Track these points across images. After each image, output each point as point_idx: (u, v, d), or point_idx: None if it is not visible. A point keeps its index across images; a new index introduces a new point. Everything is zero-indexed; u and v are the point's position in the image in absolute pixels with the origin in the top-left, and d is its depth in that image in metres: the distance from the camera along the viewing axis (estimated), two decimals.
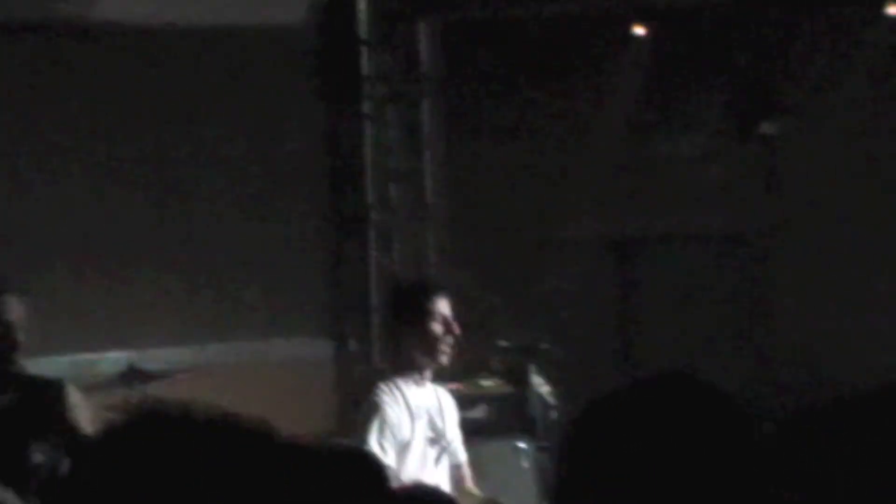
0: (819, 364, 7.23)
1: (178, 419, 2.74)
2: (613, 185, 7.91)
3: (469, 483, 5.16)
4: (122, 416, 2.77)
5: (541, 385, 5.04)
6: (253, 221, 7.42)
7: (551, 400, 5.07)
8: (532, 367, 5.00)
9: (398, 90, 7.99)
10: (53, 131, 6.63)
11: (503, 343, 4.93)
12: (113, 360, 6.35)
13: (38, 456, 4.62)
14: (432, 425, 4.98)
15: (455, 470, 5.11)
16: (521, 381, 5.16)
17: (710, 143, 7.89)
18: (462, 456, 5.14)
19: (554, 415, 5.01)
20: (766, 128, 7.77)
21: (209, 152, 7.27)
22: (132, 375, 5.84)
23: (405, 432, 4.85)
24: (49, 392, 4.72)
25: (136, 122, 6.95)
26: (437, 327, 4.89)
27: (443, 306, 4.93)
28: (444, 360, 4.95)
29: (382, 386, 4.88)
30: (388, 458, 4.76)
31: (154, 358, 6.19)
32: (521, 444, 5.40)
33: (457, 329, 4.90)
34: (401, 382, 4.92)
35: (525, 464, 5.36)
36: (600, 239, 7.86)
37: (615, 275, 7.86)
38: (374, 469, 2.94)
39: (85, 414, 4.81)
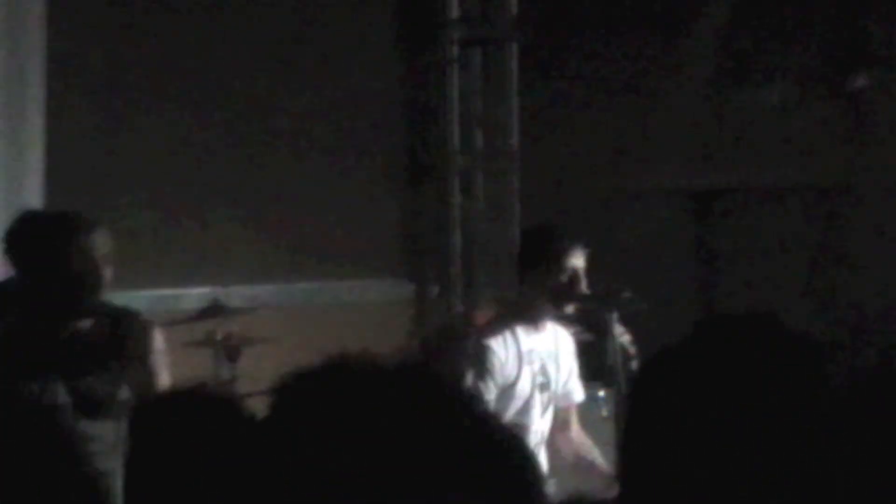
0: None
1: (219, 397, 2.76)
2: (694, 135, 7.84)
3: (575, 428, 5.16)
4: (178, 388, 2.79)
5: (621, 334, 5.03)
6: (335, 164, 7.45)
7: (631, 349, 5.06)
8: (613, 316, 4.98)
9: (484, 34, 7.95)
10: (140, 72, 6.68)
11: (586, 292, 4.91)
12: (196, 295, 6.42)
13: (124, 393, 4.68)
14: (544, 371, 4.97)
15: (562, 412, 5.11)
16: (600, 330, 5.15)
17: (794, 94, 7.79)
18: (575, 398, 5.13)
19: (634, 364, 5.00)
20: (856, 80, 7.65)
21: (293, 94, 7.29)
22: (214, 311, 5.90)
23: (510, 376, 4.85)
24: (137, 331, 4.78)
25: (220, 64, 6.98)
26: (563, 277, 4.86)
27: (575, 257, 4.89)
28: (569, 310, 4.93)
29: (496, 330, 4.89)
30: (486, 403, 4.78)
31: (236, 295, 6.26)
32: (601, 393, 5.41)
33: (584, 284, 4.86)
34: (518, 327, 4.91)
35: (604, 412, 5.37)
36: (681, 190, 7.80)
37: (695, 226, 7.81)
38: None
39: (164, 361, 4.86)
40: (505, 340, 4.88)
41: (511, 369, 4.87)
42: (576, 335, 5.29)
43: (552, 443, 5.07)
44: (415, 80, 7.98)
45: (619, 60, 7.90)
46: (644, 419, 1.96)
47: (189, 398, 2.71)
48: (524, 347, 4.91)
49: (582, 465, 5.07)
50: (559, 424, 5.10)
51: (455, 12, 7.89)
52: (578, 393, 5.15)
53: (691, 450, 1.90)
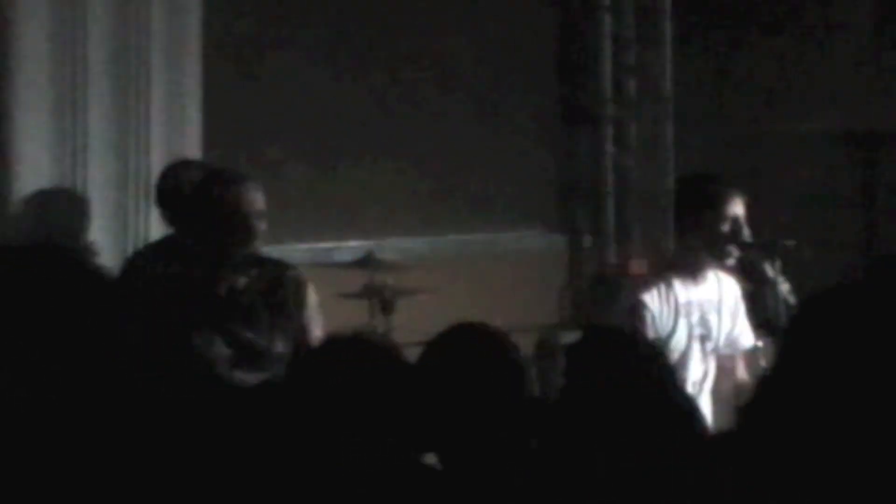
0: None
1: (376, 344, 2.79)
2: (857, 77, 7.63)
3: (741, 374, 5.07)
4: (335, 338, 2.81)
5: (781, 282, 4.92)
6: (487, 115, 7.41)
7: (791, 298, 4.95)
8: (774, 265, 4.87)
9: None
10: (292, 24, 6.71)
11: (748, 240, 4.81)
12: (350, 248, 6.46)
13: (279, 345, 4.73)
14: (704, 322, 4.89)
15: (728, 360, 5.02)
16: (760, 279, 5.05)
17: None
18: (743, 344, 5.03)
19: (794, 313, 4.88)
20: None
21: (446, 44, 7.26)
22: (369, 263, 5.93)
23: (664, 329, 4.78)
24: (290, 286, 4.81)
25: (374, 15, 6.98)
26: (724, 227, 4.76)
27: (734, 205, 4.78)
28: (730, 261, 4.83)
29: (651, 283, 4.82)
30: None
31: (390, 248, 6.27)
32: (760, 343, 5.31)
33: (746, 231, 4.76)
34: (675, 279, 4.83)
35: (763, 362, 5.28)
36: (843, 133, 7.60)
37: (859, 170, 7.61)
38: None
39: (318, 318, 4.90)
40: (660, 293, 4.80)
41: (666, 323, 4.79)
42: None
43: (717, 391, 4.99)
44: (567, 29, 7.90)
45: (778, 2, 7.72)
46: (802, 354, 1.90)
47: (347, 345, 2.72)
48: (681, 299, 4.82)
49: None
50: (725, 371, 5.02)
51: None
52: (746, 338, 5.04)
53: (849, 388, 1.84)
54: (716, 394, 4.99)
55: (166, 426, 2.50)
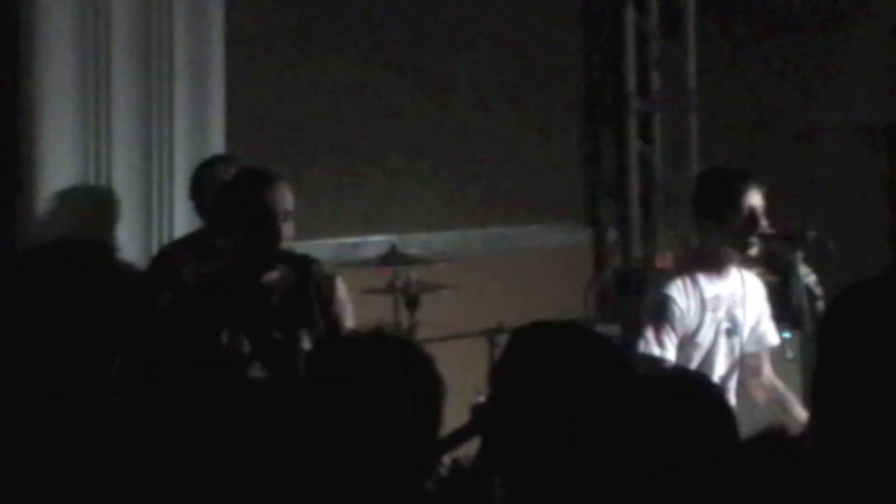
0: None
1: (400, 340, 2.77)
2: (882, 70, 7.60)
3: (767, 372, 5.07)
4: (357, 334, 2.80)
5: (808, 275, 4.90)
6: (511, 109, 7.41)
7: (818, 290, 4.93)
8: (799, 256, 4.86)
9: None
10: (317, 21, 6.71)
11: (768, 230, 4.80)
12: (375, 243, 6.46)
13: (306, 342, 4.73)
14: (731, 317, 4.89)
15: (752, 357, 5.02)
16: (786, 270, 5.04)
17: None
18: (768, 342, 5.04)
19: (821, 305, 4.87)
20: None
21: (467, 42, 7.26)
22: (394, 258, 5.93)
23: (691, 325, 4.78)
24: (318, 281, 4.82)
25: (399, 13, 6.98)
26: (743, 219, 4.77)
27: (752, 197, 4.79)
28: (753, 252, 4.84)
29: (677, 279, 4.81)
30: (668, 353, 4.72)
31: (415, 242, 6.28)
32: (786, 335, 5.29)
33: (764, 222, 4.76)
34: (700, 275, 4.83)
35: (790, 354, 5.26)
36: (868, 125, 7.57)
37: (884, 162, 7.58)
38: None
39: (348, 310, 4.90)
40: (686, 288, 4.79)
41: (693, 318, 4.79)
42: (760, 276, 5.18)
43: (744, 388, 4.98)
44: (591, 24, 7.89)
45: None
46: (837, 355, 1.90)
47: (367, 341, 2.72)
48: (707, 294, 4.82)
49: (776, 410, 4.97)
50: (751, 370, 5.01)
51: None
52: (772, 336, 5.04)
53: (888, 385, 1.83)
54: (743, 392, 4.99)
55: (187, 422, 2.51)
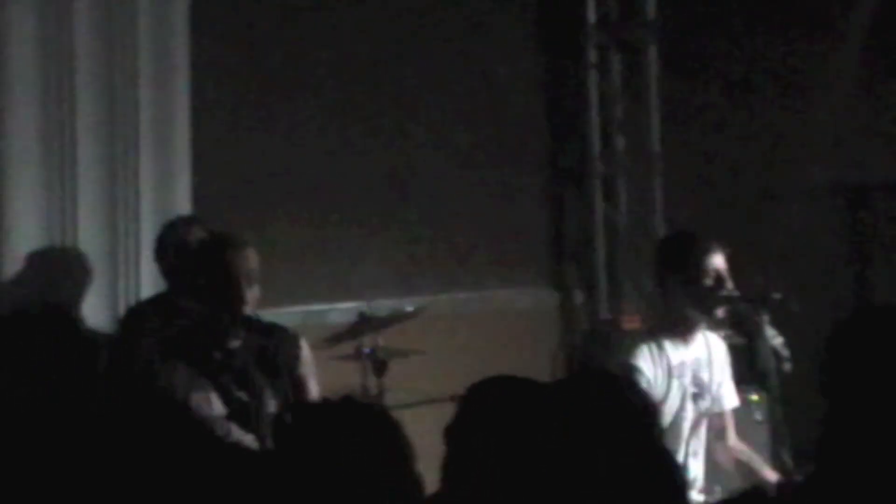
0: None
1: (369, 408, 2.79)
2: (844, 131, 7.67)
3: (731, 435, 5.07)
4: (326, 402, 2.81)
5: (774, 336, 4.92)
6: (476, 173, 7.44)
7: (784, 352, 4.94)
8: (764, 318, 4.88)
9: (622, 37, 7.88)
10: (284, 85, 6.73)
11: (733, 292, 4.82)
12: (342, 310, 6.45)
13: (272, 404, 4.72)
14: (696, 381, 4.89)
15: (717, 419, 5.03)
16: (751, 332, 5.05)
17: None
18: (728, 403, 5.04)
19: (788, 367, 4.88)
20: None
21: (435, 103, 7.30)
22: (362, 325, 5.92)
23: (659, 393, 4.78)
24: (285, 344, 4.81)
25: (365, 78, 7.02)
26: (708, 281, 4.79)
27: (715, 259, 4.81)
28: (719, 314, 4.85)
29: (643, 346, 4.81)
30: None
31: (382, 308, 6.27)
32: (754, 397, 5.30)
33: (730, 283, 4.79)
34: (665, 340, 4.84)
35: (758, 416, 5.27)
36: (833, 186, 7.63)
37: (849, 222, 7.63)
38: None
39: (313, 371, 4.89)
40: (652, 355, 4.79)
41: (660, 387, 4.79)
42: (726, 338, 5.20)
43: (710, 452, 4.98)
44: (555, 87, 7.94)
45: (763, 59, 7.76)
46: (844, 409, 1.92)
47: (337, 409, 2.71)
48: (674, 361, 4.82)
49: (742, 472, 4.97)
50: (715, 432, 5.01)
51: (593, 17, 7.84)
52: (731, 399, 5.05)
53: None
54: (709, 454, 4.99)
55: (165, 484, 2.50)
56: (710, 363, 4.94)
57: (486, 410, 2.87)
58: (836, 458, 1.92)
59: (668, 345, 4.81)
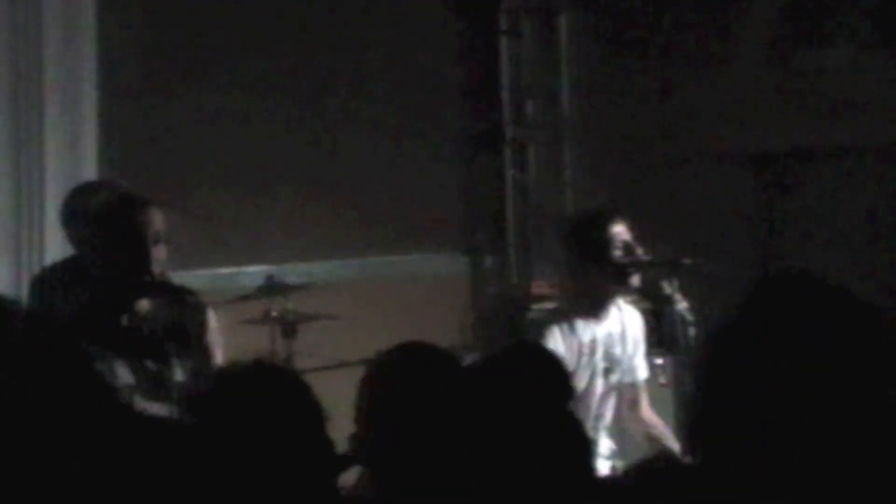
0: None
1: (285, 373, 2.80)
2: (756, 99, 7.73)
3: (643, 406, 5.12)
4: (236, 367, 2.81)
5: (679, 301, 4.96)
6: (388, 138, 7.41)
7: (690, 316, 4.99)
8: (673, 284, 4.92)
9: (534, 3, 7.88)
10: (195, 49, 6.67)
11: (645, 257, 4.85)
12: (252, 273, 6.41)
13: (179, 373, 4.68)
14: (608, 356, 4.92)
15: (630, 390, 5.06)
16: (659, 298, 5.09)
17: (856, 55, 7.66)
18: (641, 375, 5.08)
19: (692, 331, 4.93)
20: None
21: (346, 70, 7.26)
22: (271, 288, 5.89)
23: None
24: (190, 312, 4.77)
25: (279, 42, 6.96)
26: (618, 253, 4.82)
27: (618, 228, 4.85)
28: (634, 282, 4.89)
29: (554, 326, 4.83)
30: None
31: (292, 272, 6.25)
32: (659, 361, 5.35)
33: (639, 250, 4.82)
34: (578, 319, 4.86)
35: (662, 379, 5.32)
36: (742, 154, 7.70)
37: (758, 190, 7.71)
38: None
39: (219, 341, 4.86)
40: (564, 336, 4.82)
41: (570, 364, 4.82)
42: (634, 304, 5.24)
43: (620, 423, 5.02)
44: (468, 52, 7.93)
45: (675, 25, 7.80)
46: (716, 390, 1.92)
47: (248, 373, 2.70)
48: (585, 339, 4.86)
49: (651, 443, 5.02)
50: (627, 404, 5.05)
51: None
52: (643, 370, 5.09)
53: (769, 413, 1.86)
54: (619, 426, 5.03)
55: (71, 455, 2.46)
56: (623, 337, 4.98)
57: (395, 378, 2.92)
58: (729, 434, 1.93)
59: (580, 323, 4.85)
